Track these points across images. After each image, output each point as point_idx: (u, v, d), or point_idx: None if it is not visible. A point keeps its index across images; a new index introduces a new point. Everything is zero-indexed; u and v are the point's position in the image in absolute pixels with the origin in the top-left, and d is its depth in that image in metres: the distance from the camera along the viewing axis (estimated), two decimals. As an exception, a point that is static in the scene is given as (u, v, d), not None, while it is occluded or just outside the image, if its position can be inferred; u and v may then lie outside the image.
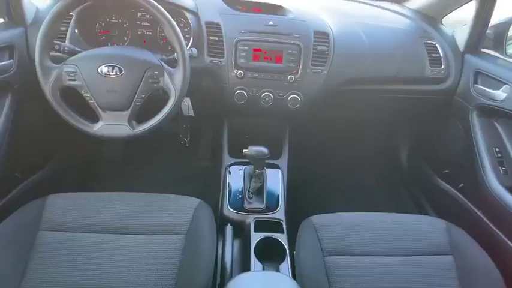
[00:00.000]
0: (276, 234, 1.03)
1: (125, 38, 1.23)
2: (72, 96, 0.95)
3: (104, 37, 1.22)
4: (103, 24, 1.22)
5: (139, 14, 1.22)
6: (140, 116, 0.99)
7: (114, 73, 0.93)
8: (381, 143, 1.79)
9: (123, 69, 0.93)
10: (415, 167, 1.62)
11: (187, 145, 1.23)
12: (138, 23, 1.22)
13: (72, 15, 1.11)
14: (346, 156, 1.74)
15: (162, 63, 0.96)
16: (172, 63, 0.98)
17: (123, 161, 1.70)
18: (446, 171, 1.41)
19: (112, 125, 0.96)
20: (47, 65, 0.92)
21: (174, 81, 0.95)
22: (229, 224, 1.06)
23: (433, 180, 1.47)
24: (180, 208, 0.90)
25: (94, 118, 0.97)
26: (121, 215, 0.88)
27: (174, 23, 0.93)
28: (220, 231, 1.07)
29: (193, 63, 1.11)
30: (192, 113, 1.14)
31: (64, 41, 1.10)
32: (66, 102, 0.95)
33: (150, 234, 0.84)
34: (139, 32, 1.22)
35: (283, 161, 1.25)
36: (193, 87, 1.07)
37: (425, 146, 1.56)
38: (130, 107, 0.95)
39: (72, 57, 0.94)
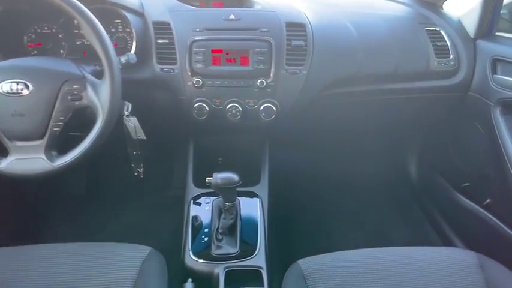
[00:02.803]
0: None
1: (62, 51, 1.01)
2: None
3: (35, 51, 1.01)
4: (33, 36, 1.01)
5: (76, 22, 1.00)
6: (64, 145, 0.77)
7: (19, 91, 0.71)
8: (384, 155, 1.53)
9: (30, 84, 0.71)
10: (429, 182, 1.37)
11: (141, 176, 0.99)
12: (76, 31, 1.00)
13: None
14: (344, 175, 1.49)
15: (84, 73, 0.74)
16: (100, 74, 0.76)
17: (86, 198, 1.46)
18: (467, 184, 1.16)
19: (24, 160, 0.74)
20: None
21: (99, 96, 0.73)
22: (189, 280, 0.80)
23: (451, 196, 1.22)
24: (124, 262, 0.72)
25: (3, 152, 0.75)
26: (48, 277, 0.69)
27: (93, 19, 0.72)
28: (182, 288, 0.82)
29: (140, 74, 0.93)
30: (142, 136, 0.91)
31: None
32: None
33: None
34: (77, 43, 1.01)
35: (262, 188, 1.00)
36: (144, 102, 0.89)
37: (438, 155, 1.31)
38: (47, 135, 0.74)
39: None
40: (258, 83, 0.90)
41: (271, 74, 0.90)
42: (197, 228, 0.91)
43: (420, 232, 1.35)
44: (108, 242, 0.78)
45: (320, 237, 1.29)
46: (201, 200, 0.97)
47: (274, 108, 0.91)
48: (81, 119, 0.79)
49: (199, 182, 1.02)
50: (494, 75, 1.00)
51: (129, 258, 0.73)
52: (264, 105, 0.91)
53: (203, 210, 0.94)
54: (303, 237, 1.27)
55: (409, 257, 0.76)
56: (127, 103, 0.87)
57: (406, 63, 1.01)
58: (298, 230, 1.26)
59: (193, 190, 0.99)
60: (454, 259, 0.75)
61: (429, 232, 1.32)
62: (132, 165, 0.97)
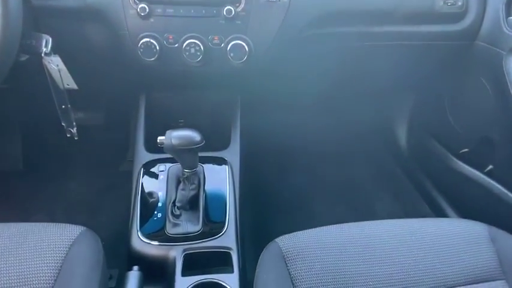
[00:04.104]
0: (221, 275, 0.63)
1: None
2: None
3: None
4: None
5: None
6: None
7: None
8: (370, 118, 1.38)
9: None
10: (420, 148, 1.23)
11: (75, 138, 0.77)
12: None
13: None
14: (325, 142, 1.32)
15: None
16: None
17: (23, 174, 1.22)
18: (465, 149, 1.03)
19: None
20: None
21: None
22: (135, 268, 0.61)
23: (447, 162, 1.09)
24: (47, 246, 0.59)
25: None
26: None
27: None
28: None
29: (66, 1, 0.68)
30: (72, 85, 0.69)
31: None
32: None
33: None
34: None
35: (232, 153, 0.82)
36: (72, 41, 0.70)
37: (433, 118, 1.17)
38: None
39: None
40: (224, 12, 0.68)
41: (243, 1, 0.69)
42: (149, 202, 0.72)
43: (409, 204, 1.23)
44: (33, 223, 0.63)
45: (298, 212, 1.15)
46: (155, 168, 0.77)
47: (246, 48, 0.70)
48: None
49: (153, 147, 0.82)
50: (509, 18, 0.84)
51: (54, 241, 0.59)
52: (233, 43, 0.70)
53: (157, 180, 0.74)
54: (279, 212, 1.12)
55: (407, 230, 0.64)
56: (45, 36, 0.64)
57: (409, 0, 0.83)
58: (272, 204, 1.10)
59: (145, 156, 0.79)
60: (462, 231, 0.66)
61: (419, 204, 1.20)
62: (63, 124, 0.75)
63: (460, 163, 1.04)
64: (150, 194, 0.73)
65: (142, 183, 0.74)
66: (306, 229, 0.65)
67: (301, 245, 0.61)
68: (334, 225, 0.65)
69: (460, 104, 1.04)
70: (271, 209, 1.11)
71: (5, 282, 0.54)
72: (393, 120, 1.34)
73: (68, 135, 0.77)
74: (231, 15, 0.68)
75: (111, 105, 1.17)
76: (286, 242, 0.62)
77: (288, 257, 0.59)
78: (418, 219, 0.69)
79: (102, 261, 0.59)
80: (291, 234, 0.64)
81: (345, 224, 0.66)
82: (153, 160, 0.78)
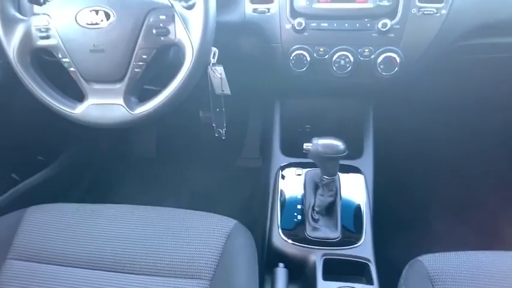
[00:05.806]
0: (361, 285, 0.64)
1: None
2: (55, 66, 0.67)
3: None
4: None
5: None
6: (144, 91, 0.66)
7: (99, 21, 0.60)
8: (500, 132, 1.24)
9: (112, 12, 0.60)
10: None
11: (223, 137, 0.86)
12: None
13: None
14: (450, 154, 1.23)
15: (173, 1, 0.60)
16: (191, 3, 0.62)
17: (155, 162, 1.40)
18: None
19: (102, 105, 0.65)
20: (10, 16, 0.64)
21: (190, 31, 0.59)
22: (281, 265, 0.66)
23: None
24: (207, 235, 0.64)
25: (79, 95, 0.67)
26: (119, 242, 0.64)
27: None
28: (268, 272, 0.69)
29: (226, 15, 0.77)
30: (227, 91, 0.77)
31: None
32: (43, 74, 0.66)
33: (154, 276, 0.61)
34: None
35: (366, 163, 0.82)
36: (229, 52, 0.74)
37: None
38: (127, 77, 0.64)
39: (45, 4, 0.64)
40: (379, 26, 0.69)
41: (398, 14, 0.69)
42: (286, 203, 0.76)
43: None
44: (193, 210, 0.70)
45: (415, 230, 1.09)
46: (290, 170, 0.81)
47: (397, 60, 0.70)
48: (164, 62, 0.67)
49: (285, 150, 0.87)
50: None
51: (214, 229, 0.65)
52: (383, 56, 0.70)
53: (293, 183, 0.79)
54: (394, 227, 1.07)
55: None
56: (214, 49, 0.73)
57: None
58: (392, 215, 1.06)
59: (281, 158, 0.84)
60: None
61: None
62: (213, 125, 0.84)
63: None
64: (288, 195, 0.77)
65: (280, 186, 0.79)
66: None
67: (451, 269, 0.59)
68: (488, 252, 0.62)
69: None
70: (386, 222, 1.08)
71: (174, 257, 0.62)
72: None
73: (216, 135, 0.86)
74: (386, 29, 0.68)
75: (234, 106, 1.27)
76: (432, 262, 0.60)
77: (435, 279, 0.58)
78: None
79: (256, 253, 0.64)
80: (436, 254, 0.62)
81: (500, 251, 0.62)
82: (290, 164, 0.82)
